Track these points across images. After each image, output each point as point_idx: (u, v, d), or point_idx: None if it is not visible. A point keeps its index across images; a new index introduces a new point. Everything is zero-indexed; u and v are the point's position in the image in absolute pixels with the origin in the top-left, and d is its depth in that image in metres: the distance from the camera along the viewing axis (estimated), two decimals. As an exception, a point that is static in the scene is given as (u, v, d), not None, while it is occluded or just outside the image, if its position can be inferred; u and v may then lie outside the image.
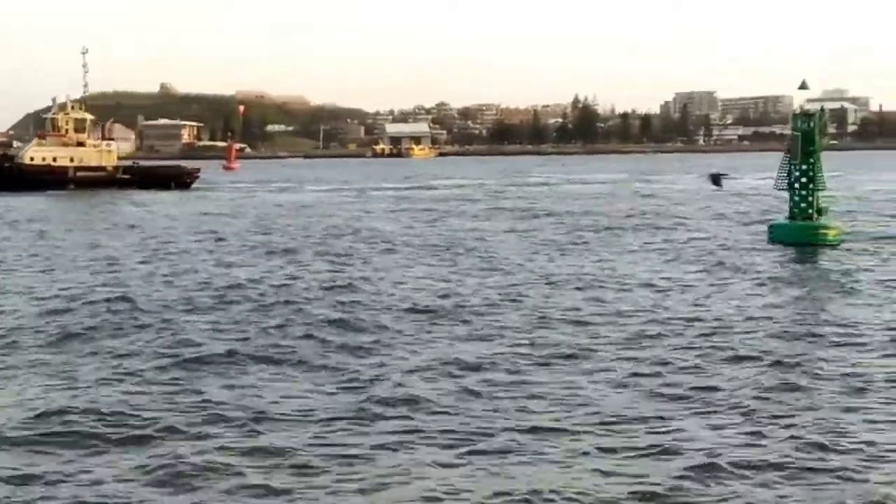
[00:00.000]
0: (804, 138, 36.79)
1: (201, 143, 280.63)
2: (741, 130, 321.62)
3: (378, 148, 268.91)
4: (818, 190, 36.72)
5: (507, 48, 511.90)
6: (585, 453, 12.78)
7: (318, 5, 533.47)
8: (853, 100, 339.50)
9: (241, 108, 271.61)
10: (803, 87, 39.27)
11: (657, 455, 12.67)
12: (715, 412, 14.62)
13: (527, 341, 19.61)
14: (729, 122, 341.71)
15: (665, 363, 17.67)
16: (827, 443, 13.10)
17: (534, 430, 13.68)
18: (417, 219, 52.92)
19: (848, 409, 14.72)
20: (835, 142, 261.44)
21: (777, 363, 17.51)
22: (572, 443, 13.18)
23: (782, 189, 37.83)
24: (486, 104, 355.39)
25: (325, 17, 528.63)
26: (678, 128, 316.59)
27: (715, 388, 15.87)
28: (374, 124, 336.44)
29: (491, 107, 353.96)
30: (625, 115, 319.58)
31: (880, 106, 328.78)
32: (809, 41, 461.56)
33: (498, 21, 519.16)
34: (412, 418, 14.33)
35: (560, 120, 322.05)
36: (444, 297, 25.12)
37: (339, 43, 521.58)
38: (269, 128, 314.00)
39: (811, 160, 36.60)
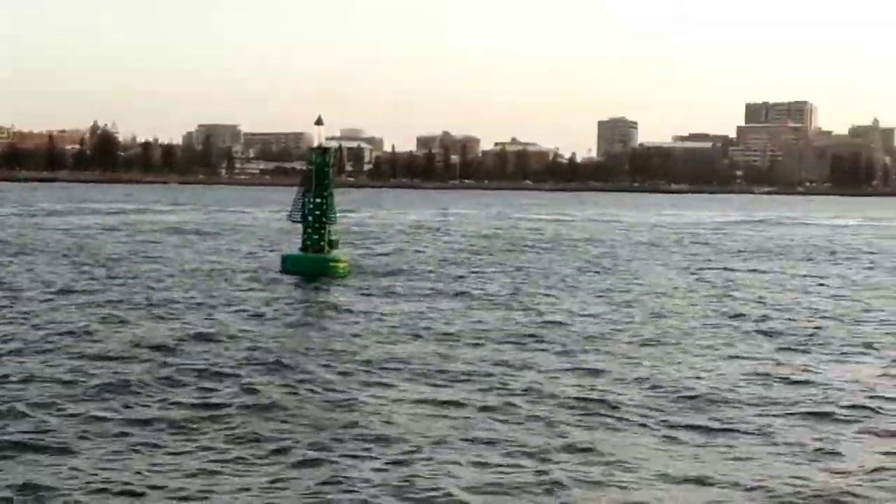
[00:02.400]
0: (319, 172, 37.44)
1: None
2: (263, 165, 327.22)
3: None
4: (330, 223, 37.43)
5: (20, 66, 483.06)
6: None
7: None
8: (369, 139, 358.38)
9: None
10: (319, 122, 39.92)
11: None
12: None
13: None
14: (252, 155, 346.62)
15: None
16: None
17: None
18: None
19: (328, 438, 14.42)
20: (352, 179, 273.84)
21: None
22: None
23: (296, 221, 38.21)
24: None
25: None
26: (201, 159, 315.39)
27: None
28: None
29: (2, 129, 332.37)
30: (146, 145, 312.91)
31: (393, 146, 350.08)
32: (326, 81, 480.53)
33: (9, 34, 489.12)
34: None
35: (78, 146, 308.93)
36: None
37: None
38: None
39: (325, 194, 37.24)
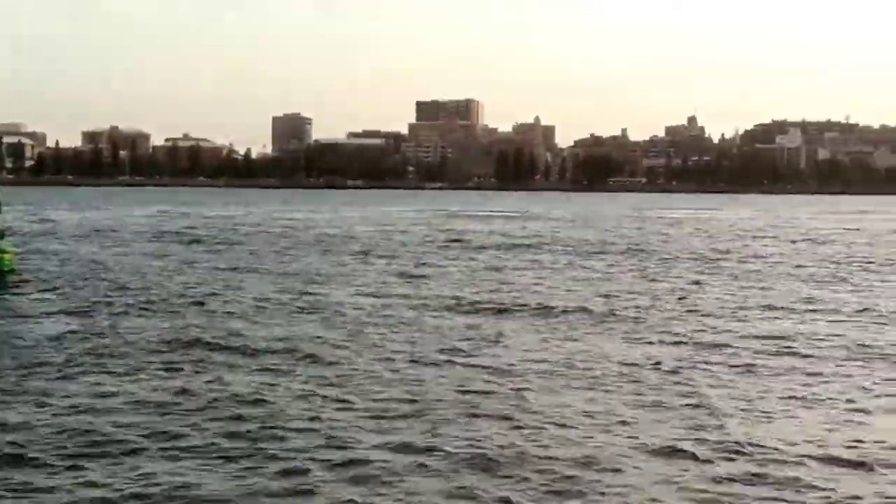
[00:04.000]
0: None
1: None
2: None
3: None
4: (-5, 213, 34.75)
5: None
6: None
7: None
8: (30, 134, 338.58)
9: None
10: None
11: None
12: None
13: None
14: None
15: None
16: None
17: None
18: None
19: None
20: (11, 176, 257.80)
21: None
22: None
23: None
24: None
25: None
26: None
27: None
28: None
29: None
30: None
31: (57, 141, 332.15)
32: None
33: None
34: None
35: None
36: None
37: None
38: None
39: (-13, 183, 34.53)
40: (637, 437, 14.08)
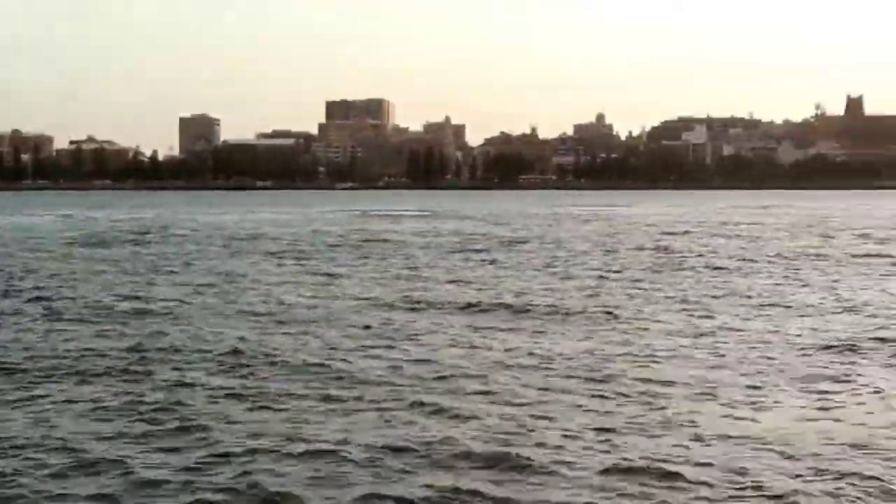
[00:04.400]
0: None
1: None
2: None
3: None
4: None
5: None
6: None
7: None
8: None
9: None
10: None
11: None
12: None
13: None
14: None
15: None
16: None
17: None
18: None
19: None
20: None
21: None
22: None
23: None
24: None
25: None
26: None
27: None
28: None
29: None
30: None
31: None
32: None
33: None
34: None
35: None
36: None
37: None
38: None
39: None
40: (550, 425, 14.38)
